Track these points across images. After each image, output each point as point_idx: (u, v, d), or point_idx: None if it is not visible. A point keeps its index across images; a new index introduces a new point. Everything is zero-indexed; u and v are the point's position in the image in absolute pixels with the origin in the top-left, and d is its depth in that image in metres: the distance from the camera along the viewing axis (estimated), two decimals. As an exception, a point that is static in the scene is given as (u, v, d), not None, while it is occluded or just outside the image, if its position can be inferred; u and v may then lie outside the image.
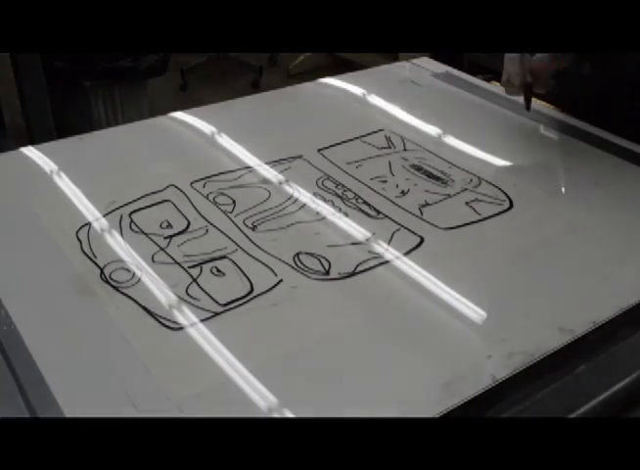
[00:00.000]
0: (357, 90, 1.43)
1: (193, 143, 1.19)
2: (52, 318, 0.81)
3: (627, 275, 0.89)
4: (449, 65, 1.51)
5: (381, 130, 1.24)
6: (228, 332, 0.79)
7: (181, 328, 0.79)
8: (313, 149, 1.17)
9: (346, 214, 1.01)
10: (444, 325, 0.81)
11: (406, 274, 0.88)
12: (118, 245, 0.94)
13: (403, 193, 1.06)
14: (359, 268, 0.89)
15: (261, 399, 0.71)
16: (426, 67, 1.50)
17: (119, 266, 0.89)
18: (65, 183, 1.06)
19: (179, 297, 0.84)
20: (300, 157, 1.16)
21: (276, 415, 0.70)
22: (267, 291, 0.85)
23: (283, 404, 0.71)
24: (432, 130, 1.24)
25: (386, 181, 1.09)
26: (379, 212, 1.01)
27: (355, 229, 0.98)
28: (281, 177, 1.11)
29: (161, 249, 0.92)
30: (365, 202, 1.04)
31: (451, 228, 0.98)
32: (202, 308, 0.82)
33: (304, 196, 1.05)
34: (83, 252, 0.91)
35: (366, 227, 0.98)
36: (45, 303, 0.83)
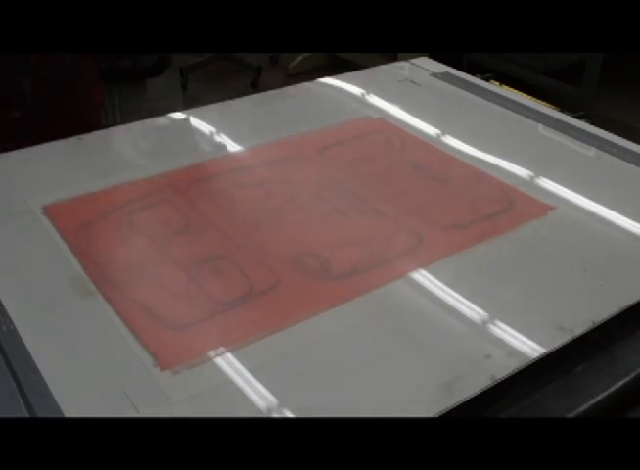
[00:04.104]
0: (356, 90, 1.43)
1: (193, 143, 1.19)
2: (52, 318, 0.81)
3: (627, 275, 0.89)
4: (448, 64, 1.51)
5: (380, 130, 1.24)
6: (228, 332, 0.79)
7: (181, 328, 0.79)
8: (313, 149, 1.17)
9: (346, 214, 1.01)
10: (444, 325, 0.81)
11: (406, 274, 0.88)
12: (118, 245, 0.94)
13: (403, 193, 1.06)
14: (359, 268, 0.89)
15: (261, 400, 0.71)
16: (425, 66, 1.50)
17: (119, 266, 0.89)
18: (64, 183, 1.06)
19: (179, 297, 0.84)
20: (300, 157, 1.15)
21: (276, 415, 0.70)
22: (267, 291, 0.85)
23: (283, 404, 0.71)
24: (431, 130, 1.24)
25: (385, 181, 1.09)
26: (379, 212, 1.01)
27: (355, 229, 0.98)
28: (281, 177, 1.11)
29: (161, 249, 0.92)
30: (365, 202, 1.04)
31: (450, 228, 0.98)
32: (201, 308, 0.82)
33: (304, 196, 1.05)
34: (83, 252, 0.91)
35: (366, 227, 0.98)
36: (45, 303, 0.83)
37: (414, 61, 1.52)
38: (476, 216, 1.00)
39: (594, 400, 0.75)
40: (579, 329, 0.79)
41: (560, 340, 0.77)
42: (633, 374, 0.78)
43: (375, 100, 1.37)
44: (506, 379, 0.73)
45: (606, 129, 1.24)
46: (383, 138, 1.22)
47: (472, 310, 0.82)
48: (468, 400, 0.70)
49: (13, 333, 0.78)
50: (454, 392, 0.71)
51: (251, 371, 0.74)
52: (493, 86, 1.44)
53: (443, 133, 1.23)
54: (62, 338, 0.78)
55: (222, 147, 1.20)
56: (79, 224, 0.97)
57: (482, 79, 1.46)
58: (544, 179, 1.09)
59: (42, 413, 0.68)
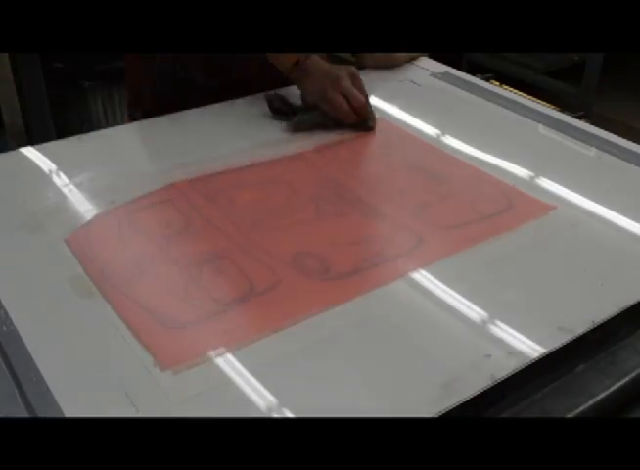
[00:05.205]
0: (357, 90, 1.42)
1: (193, 142, 1.19)
2: (52, 318, 0.81)
3: (627, 275, 0.89)
4: (448, 64, 1.51)
5: (380, 130, 1.24)
6: (228, 332, 0.79)
7: (181, 328, 0.79)
8: (313, 149, 1.17)
9: (346, 214, 1.01)
10: (444, 325, 0.81)
11: (406, 274, 0.88)
12: (118, 245, 0.94)
13: (403, 193, 1.06)
14: (359, 268, 0.89)
15: (261, 400, 0.71)
16: (425, 66, 1.50)
17: (119, 266, 0.89)
18: (64, 183, 1.06)
19: (179, 297, 0.84)
20: (300, 156, 1.15)
21: (276, 415, 0.70)
22: (267, 291, 0.85)
23: (283, 404, 0.71)
24: (431, 130, 1.24)
25: (385, 181, 1.09)
26: (379, 212, 1.01)
27: (355, 229, 0.98)
28: (280, 177, 1.11)
29: (161, 249, 0.92)
30: (365, 202, 1.04)
31: (450, 228, 0.98)
32: (201, 308, 0.82)
33: (304, 196, 1.05)
34: (83, 252, 0.91)
35: (366, 227, 0.98)
36: (45, 303, 0.83)
37: (414, 61, 1.52)
38: (476, 216, 1.00)
39: (594, 400, 0.75)
40: (579, 329, 0.79)
41: (560, 340, 0.77)
42: (633, 374, 0.78)
43: (375, 100, 1.37)
44: (506, 379, 0.73)
45: (606, 129, 1.24)
46: (383, 138, 1.22)
47: (472, 310, 0.82)
48: (468, 400, 0.70)
49: (13, 333, 0.78)
50: (454, 392, 0.71)
51: (251, 371, 0.74)
52: (493, 86, 1.44)
53: (443, 133, 1.23)
54: (62, 338, 0.78)
55: (222, 146, 1.19)
56: (79, 223, 0.96)
57: (482, 79, 1.46)
58: (544, 179, 1.09)
59: (42, 413, 0.68)
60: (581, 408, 0.73)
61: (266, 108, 1.27)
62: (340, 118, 1.22)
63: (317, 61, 1.29)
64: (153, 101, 1.37)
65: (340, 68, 1.26)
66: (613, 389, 0.76)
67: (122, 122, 2.43)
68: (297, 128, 1.23)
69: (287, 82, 1.33)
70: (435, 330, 0.80)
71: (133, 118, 1.39)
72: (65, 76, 2.56)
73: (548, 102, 1.40)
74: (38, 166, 1.11)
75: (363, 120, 1.23)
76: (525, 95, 1.42)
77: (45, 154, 1.14)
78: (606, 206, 1.02)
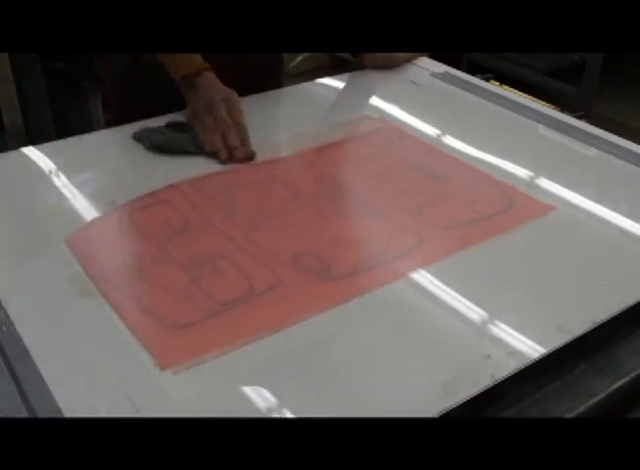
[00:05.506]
0: (357, 90, 1.43)
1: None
2: (52, 318, 0.81)
3: (627, 275, 0.89)
4: (448, 64, 1.51)
5: (380, 130, 1.24)
6: (228, 332, 0.79)
7: (181, 328, 0.79)
8: (313, 149, 1.17)
9: (346, 214, 1.01)
10: (444, 325, 0.81)
11: (405, 274, 0.88)
12: (118, 245, 0.94)
13: (403, 193, 1.06)
14: (359, 268, 0.89)
15: (261, 400, 0.71)
16: (425, 66, 1.50)
17: (119, 266, 0.89)
18: (64, 183, 1.06)
19: (179, 296, 0.84)
20: (300, 156, 1.15)
21: (276, 415, 0.70)
22: (267, 291, 0.85)
23: (283, 404, 0.71)
24: (431, 130, 1.24)
25: (385, 181, 1.09)
26: (378, 212, 1.01)
27: (355, 229, 0.98)
28: (280, 177, 1.11)
29: (161, 249, 0.92)
30: (365, 201, 1.04)
31: (450, 228, 0.98)
32: (201, 308, 0.82)
33: (304, 196, 1.05)
34: (83, 252, 0.91)
35: (366, 227, 0.98)
36: (45, 303, 0.83)
37: (414, 61, 1.52)
38: (476, 217, 1.00)
39: (594, 400, 0.75)
40: (579, 329, 0.79)
41: (560, 340, 0.77)
42: (633, 374, 0.78)
43: (375, 100, 1.37)
44: (506, 379, 0.73)
45: (606, 129, 1.24)
46: (383, 138, 1.22)
47: (472, 310, 0.82)
48: (468, 400, 0.70)
49: (13, 333, 0.78)
50: (454, 392, 0.71)
51: (251, 371, 0.74)
52: (493, 86, 1.44)
53: (443, 133, 1.23)
54: (62, 338, 0.78)
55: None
56: (79, 224, 0.96)
57: (482, 79, 1.46)
58: (544, 179, 1.09)
59: (42, 413, 0.68)
60: (581, 408, 0.73)
61: (265, 107, 1.27)
62: (208, 148, 1.13)
63: (207, 79, 1.18)
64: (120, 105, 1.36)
65: (215, 93, 1.16)
66: (613, 389, 0.76)
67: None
68: (150, 148, 1.14)
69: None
70: (435, 330, 0.80)
71: (106, 122, 1.38)
72: (65, 76, 2.56)
73: (548, 102, 1.40)
74: (38, 166, 1.12)
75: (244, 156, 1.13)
76: (525, 95, 1.42)
77: (45, 154, 1.14)
78: (606, 206, 1.02)
